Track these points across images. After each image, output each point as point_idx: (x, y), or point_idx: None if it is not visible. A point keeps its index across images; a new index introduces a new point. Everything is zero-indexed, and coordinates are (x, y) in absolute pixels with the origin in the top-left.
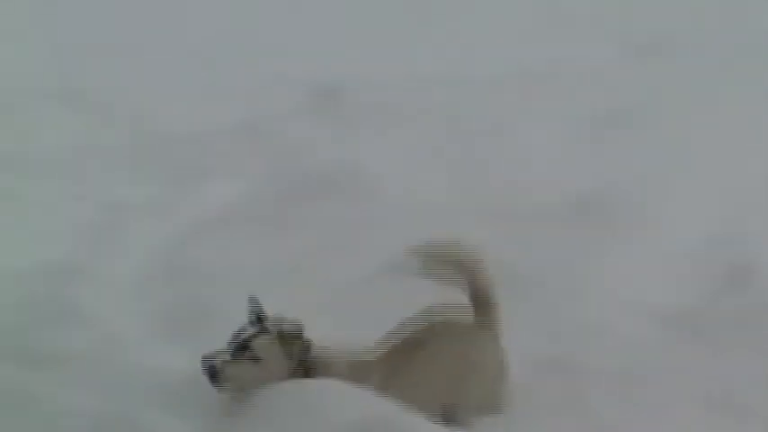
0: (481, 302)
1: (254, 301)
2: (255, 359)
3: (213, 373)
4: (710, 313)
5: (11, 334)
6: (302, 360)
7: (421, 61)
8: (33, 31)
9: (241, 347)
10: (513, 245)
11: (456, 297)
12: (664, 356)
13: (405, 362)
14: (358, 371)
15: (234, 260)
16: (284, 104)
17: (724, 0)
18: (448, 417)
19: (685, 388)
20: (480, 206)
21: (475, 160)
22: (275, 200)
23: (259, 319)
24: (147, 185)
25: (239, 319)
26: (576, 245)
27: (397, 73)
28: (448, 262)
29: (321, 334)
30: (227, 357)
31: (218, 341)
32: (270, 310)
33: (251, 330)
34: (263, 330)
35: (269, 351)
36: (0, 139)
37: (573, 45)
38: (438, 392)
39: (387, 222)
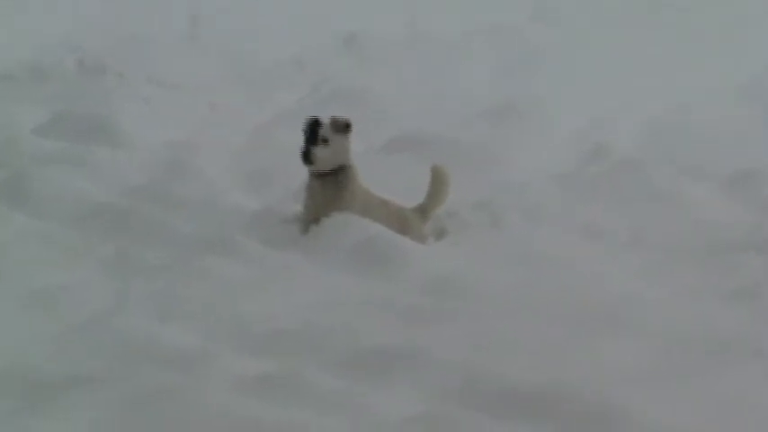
0: (431, 200)
1: (312, 118)
2: (325, 140)
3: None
4: (583, 173)
5: (154, 184)
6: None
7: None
8: None
9: (313, 134)
10: (466, 131)
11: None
12: (555, 200)
13: (382, 208)
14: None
15: (291, 140)
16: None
17: None
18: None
19: (567, 216)
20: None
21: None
22: (315, 106)
23: (317, 121)
24: (243, 93)
25: (298, 177)
26: (502, 133)
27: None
28: (436, 174)
29: None
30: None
31: (283, 192)
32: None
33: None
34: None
35: (331, 134)
36: None
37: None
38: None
39: (387, 116)
